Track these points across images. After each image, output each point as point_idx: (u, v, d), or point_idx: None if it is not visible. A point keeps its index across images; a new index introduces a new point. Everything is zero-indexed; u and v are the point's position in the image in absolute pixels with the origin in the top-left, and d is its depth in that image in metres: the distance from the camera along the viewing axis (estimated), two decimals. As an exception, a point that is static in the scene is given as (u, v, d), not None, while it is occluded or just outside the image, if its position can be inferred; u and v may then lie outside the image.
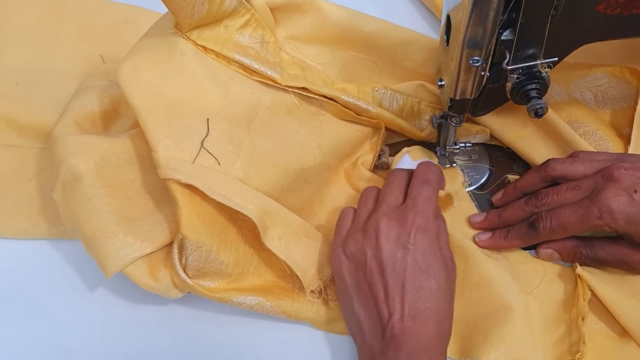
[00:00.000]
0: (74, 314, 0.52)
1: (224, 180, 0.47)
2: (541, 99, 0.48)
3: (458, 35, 0.45)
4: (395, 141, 0.61)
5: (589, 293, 0.49)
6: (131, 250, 0.48)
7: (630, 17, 0.46)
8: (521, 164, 0.58)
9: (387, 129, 0.58)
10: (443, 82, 0.52)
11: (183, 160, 0.46)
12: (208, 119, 0.49)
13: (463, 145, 0.58)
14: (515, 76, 0.48)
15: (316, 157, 0.53)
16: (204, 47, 0.51)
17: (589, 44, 0.49)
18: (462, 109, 0.52)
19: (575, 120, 0.58)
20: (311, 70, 0.58)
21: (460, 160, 0.59)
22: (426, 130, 0.58)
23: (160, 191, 0.51)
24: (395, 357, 0.42)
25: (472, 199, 0.57)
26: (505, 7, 0.43)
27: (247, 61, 0.52)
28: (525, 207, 0.51)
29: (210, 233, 0.48)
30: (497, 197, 0.56)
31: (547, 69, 0.48)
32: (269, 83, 0.53)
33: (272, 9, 0.56)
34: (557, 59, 0.47)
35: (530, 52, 0.47)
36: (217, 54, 0.52)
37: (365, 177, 0.56)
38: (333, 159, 0.55)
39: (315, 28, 0.59)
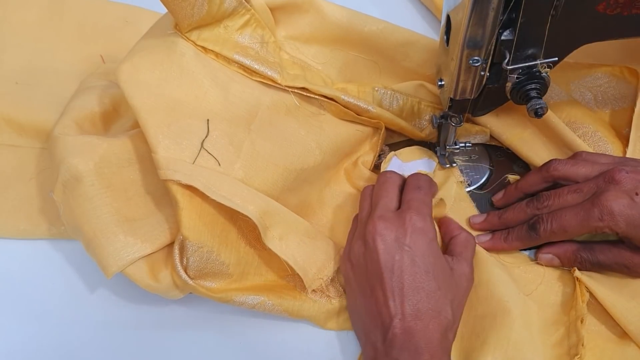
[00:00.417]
0: (74, 314, 0.52)
1: (224, 180, 0.47)
2: (541, 99, 0.48)
3: (458, 35, 0.45)
4: (396, 141, 0.61)
5: (588, 295, 0.49)
6: (131, 251, 0.48)
7: (630, 17, 0.46)
8: (521, 164, 0.58)
9: (387, 128, 0.58)
10: (443, 82, 0.52)
11: (183, 161, 0.46)
12: (208, 120, 0.49)
13: (463, 145, 0.58)
14: (515, 76, 0.48)
15: (316, 157, 0.53)
16: (204, 48, 0.51)
17: (589, 44, 0.48)
18: (462, 109, 0.52)
19: (574, 121, 0.58)
20: (311, 70, 0.58)
21: (460, 160, 0.59)
22: (426, 130, 0.58)
23: (161, 192, 0.51)
24: (398, 355, 0.42)
25: (472, 200, 0.57)
26: (505, 7, 0.43)
27: (247, 61, 0.52)
28: (526, 209, 0.51)
29: (211, 233, 0.48)
30: (497, 197, 0.56)
31: (547, 69, 0.48)
32: (269, 83, 0.53)
33: (272, 9, 0.56)
34: (557, 59, 0.47)
35: (530, 52, 0.47)
36: (217, 55, 0.52)
37: (365, 176, 0.56)
38: (333, 158, 0.55)
39: (315, 28, 0.59)
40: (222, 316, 0.52)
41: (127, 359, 0.50)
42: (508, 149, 0.58)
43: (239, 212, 0.46)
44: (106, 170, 0.50)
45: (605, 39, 0.49)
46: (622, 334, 0.48)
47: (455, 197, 0.57)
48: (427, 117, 0.58)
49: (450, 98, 0.51)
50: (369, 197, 0.51)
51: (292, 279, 0.51)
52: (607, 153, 0.56)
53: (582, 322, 0.47)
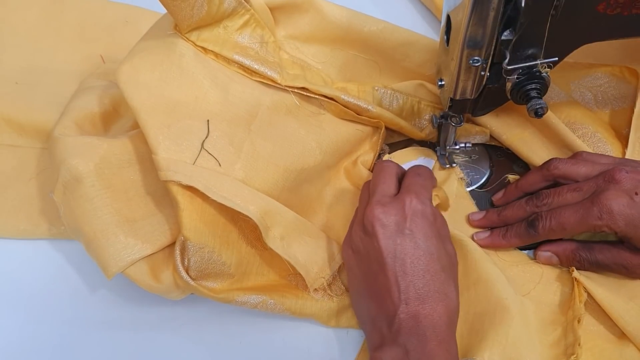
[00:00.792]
0: (74, 314, 0.52)
1: (224, 181, 0.47)
2: (541, 98, 0.48)
3: (458, 35, 0.45)
4: (396, 140, 0.61)
5: (585, 295, 0.49)
6: (132, 252, 0.48)
7: (630, 17, 0.46)
8: (521, 164, 0.58)
9: (387, 128, 0.58)
10: (443, 82, 0.52)
11: (183, 162, 0.46)
12: (208, 120, 0.49)
13: (463, 145, 0.58)
14: (515, 76, 0.48)
15: (316, 156, 0.53)
16: (204, 48, 0.51)
17: (589, 44, 0.48)
18: (462, 109, 0.52)
19: (574, 121, 0.58)
20: (311, 70, 0.58)
21: (460, 160, 0.59)
22: (426, 130, 0.58)
23: (161, 192, 0.51)
24: (406, 341, 0.42)
25: (472, 199, 0.57)
26: (505, 7, 0.43)
27: (246, 61, 0.52)
28: (525, 206, 0.51)
29: (212, 234, 0.48)
30: (497, 196, 0.56)
31: (547, 69, 0.48)
32: (269, 83, 0.53)
33: (272, 9, 0.56)
34: (557, 59, 0.47)
35: (530, 52, 0.47)
36: (216, 55, 0.52)
37: (365, 176, 0.56)
38: (333, 158, 0.55)
39: (314, 28, 0.59)
40: (222, 316, 0.52)
41: (127, 359, 0.50)
42: (508, 149, 0.58)
43: (239, 212, 0.46)
44: (106, 171, 0.50)
45: (605, 39, 0.49)
46: (621, 334, 0.48)
47: (456, 194, 0.57)
48: (427, 117, 0.58)
49: (451, 98, 0.51)
50: (366, 191, 0.51)
51: (293, 279, 0.51)
52: (606, 154, 0.56)
53: (579, 322, 0.47)
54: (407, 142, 0.60)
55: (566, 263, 0.51)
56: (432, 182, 0.50)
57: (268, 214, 0.47)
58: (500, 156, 0.59)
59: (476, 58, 0.46)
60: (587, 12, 0.45)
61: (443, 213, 0.51)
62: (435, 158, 0.59)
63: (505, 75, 0.48)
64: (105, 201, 0.49)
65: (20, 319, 0.52)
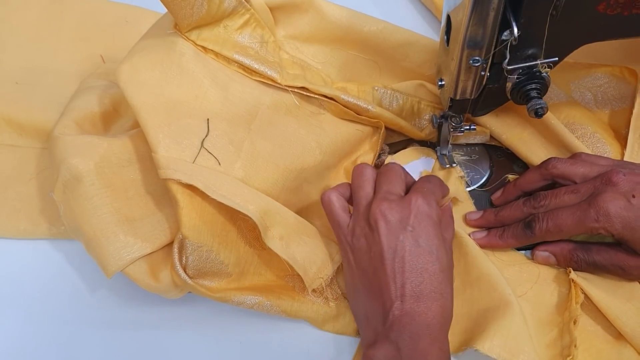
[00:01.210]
0: (74, 314, 0.52)
1: (224, 180, 0.47)
2: (541, 98, 0.48)
3: (458, 35, 0.45)
4: (395, 140, 0.61)
5: (582, 296, 0.49)
6: (131, 251, 0.48)
7: (630, 17, 0.46)
8: (521, 164, 0.58)
9: (387, 128, 0.58)
10: (443, 82, 0.52)
11: (183, 161, 0.47)
12: (208, 119, 0.49)
13: (463, 145, 0.58)
14: (515, 76, 0.48)
15: (316, 156, 0.53)
16: (204, 47, 0.51)
17: (589, 44, 0.49)
18: (462, 109, 0.52)
19: (573, 122, 0.58)
20: (311, 70, 0.58)
21: (460, 159, 0.59)
22: (426, 130, 0.58)
23: (161, 191, 0.51)
24: (398, 338, 0.42)
25: (471, 198, 0.57)
26: (505, 7, 0.43)
27: (246, 61, 0.52)
28: (523, 207, 0.51)
29: (211, 233, 0.48)
30: (496, 196, 0.56)
31: (547, 69, 0.48)
32: (269, 83, 0.53)
33: (272, 9, 0.56)
34: (557, 59, 0.47)
35: (530, 52, 0.47)
36: (216, 54, 0.52)
37: None
38: (333, 158, 0.55)
39: (314, 27, 0.59)
40: (221, 316, 0.52)
41: (127, 359, 0.50)
42: (508, 149, 0.58)
43: (239, 211, 0.46)
44: (106, 170, 0.50)
45: (605, 39, 0.49)
46: (618, 334, 0.48)
47: (456, 194, 0.57)
48: (427, 117, 0.58)
49: (451, 98, 0.51)
50: (366, 179, 0.49)
51: (291, 280, 0.51)
52: (605, 154, 0.56)
53: (575, 323, 0.47)
54: (407, 142, 0.60)
55: (563, 263, 0.51)
56: (441, 188, 0.50)
57: (267, 214, 0.47)
58: (500, 156, 0.59)
59: (476, 58, 0.46)
60: (587, 12, 0.45)
61: None
62: (435, 157, 0.59)
63: (505, 75, 0.48)
64: (105, 200, 0.49)
65: (20, 319, 0.52)
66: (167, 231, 0.50)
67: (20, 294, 0.53)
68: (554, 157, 0.53)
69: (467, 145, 0.58)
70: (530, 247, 0.53)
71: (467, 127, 0.56)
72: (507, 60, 0.46)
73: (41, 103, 0.61)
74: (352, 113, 0.56)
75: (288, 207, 0.50)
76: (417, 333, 0.42)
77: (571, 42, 0.48)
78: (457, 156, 0.59)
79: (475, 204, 0.57)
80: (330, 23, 0.58)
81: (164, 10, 0.48)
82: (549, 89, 0.49)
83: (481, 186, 0.58)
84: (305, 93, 0.54)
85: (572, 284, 0.50)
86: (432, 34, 0.67)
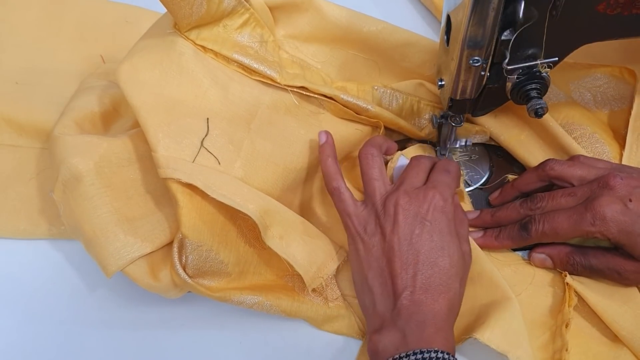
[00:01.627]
0: (73, 313, 0.52)
1: (224, 179, 0.47)
2: (541, 98, 0.48)
3: (458, 35, 0.45)
4: (395, 140, 0.61)
5: (575, 299, 0.49)
6: (131, 250, 0.48)
7: (630, 17, 0.46)
8: (521, 164, 0.58)
9: (386, 127, 0.58)
10: (443, 82, 0.52)
11: (183, 160, 0.47)
12: (208, 119, 0.49)
13: (463, 145, 0.58)
14: (515, 76, 0.48)
15: (316, 156, 0.53)
16: (203, 47, 0.51)
17: (589, 44, 0.49)
18: (462, 109, 0.52)
19: (572, 122, 0.58)
20: (310, 69, 0.58)
21: (460, 159, 0.59)
22: (426, 130, 0.58)
23: (160, 191, 0.51)
24: (405, 325, 0.43)
25: (469, 198, 0.57)
26: (505, 7, 0.43)
27: (246, 61, 0.52)
28: (519, 208, 0.51)
29: (211, 232, 0.48)
30: (494, 196, 0.56)
31: (547, 69, 0.48)
32: (269, 82, 0.53)
33: (271, 8, 0.56)
34: (557, 59, 0.47)
35: (530, 52, 0.47)
36: (216, 54, 0.52)
37: None
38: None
39: (314, 27, 0.59)
40: (221, 316, 0.52)
41: (127, 359, 0.50)
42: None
43: (238, 211, 0.46)
44: (106, 169, 0.50)
45: (605, 39, 0.49)
46: (615, 337, 0.48)
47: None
48: (426, 117, 0.58)
49: (451, 98, 0.51)
50: (381, 170, 0.50)
51: (290, 279, 0.51)
52: (604, 155, 0.56)
53: (567, 327, 0.47)
54: (406, 141, 0.60)
55: (560, 266, 0.51)
56: (457, 179, 0.51)
57: (267, 213, 0.47)
58: (500, 156, 0.59)
59: (476, 58, 0.46)
60: (587, 12, 0.45)
61: None
62: (434, 155, 0.59)
63: (505, 75, 0.48)
64: (105, 200, 0.49)
65: (20, 319, 0.52)
66: (167, 231, 0.50)
67: (20, 294, 0.53)
68: (552, 159, 0.53)
69: (467, 145, 0.58)
70: (527, 248, 0.53)
71: (463, 143, 0.57)
72: (507, 60, 0.46)
73: (41, 103, 0.61)
74: (352, 112, 0.56)
75: (288, 206, 0.50)
76: (423, 322, 0.43)
77: (571, 42, 0.48)
78: (456, 155, 0.59)
79: (474, 203, 0.57)
80: (330, 23, 0.58)
81: (163, 10, 0.48)
82: (549, 89, 0.49)
83: (481, 186, 0.58)
84: (304, 92, 0.54)
85: (566, 286, 0.50)
86: (432, 34, 0.67)
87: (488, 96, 0.51)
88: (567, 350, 0.46)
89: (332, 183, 0.50)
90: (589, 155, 0.54)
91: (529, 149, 0.57)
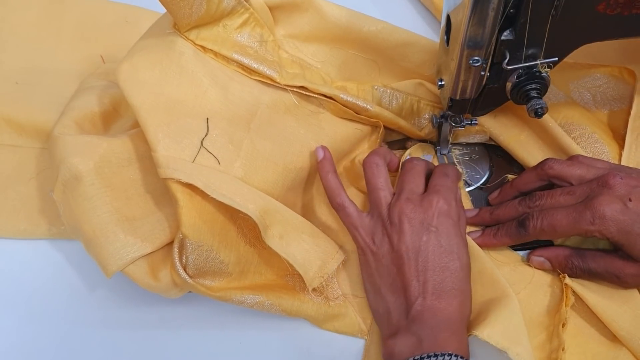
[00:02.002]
0: (73, 313, 0.52)
1: (224, 179, 0.47)
2: (541, 98, 0.48)
3: (458, 36, 0.45)
4: (394, 139, 0.61)
5: (572, 299, 0.49)
6: (131, 250, 0.48)
7: (630, 17, 0.46)
8: (520, 165, 0.58)
9: (386, 127, 0.58)
10: (443, 82, 0.52)
11: (183, 160, 0.47)
12: (208, 118, 0.49)
13: (463, 145, 0.58)
14: (515, 76, 0.48)
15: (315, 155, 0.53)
16: (203, 47, 0.51)
17: (589, 44, 0.49)
18: (462, 109, 0.52)
19: (571, 122, 0.58)
20: (310, 69, 0.58)
21: (460, 159, 0.59)
22: (425, 130, 0.58)
23: (160, 191, 0.51)
24: (419, 330, 0.43)
25: (469, 197, 0.57)
26: (505, 7, 0.43)
27: (245, 60, 0.52)
28: (518, 206, 0.51)
29: (211, 232, 0.48)
30: (493, 195, 0.56)
31: (547, 69, 0.48)
32: (268, 82, 0.53)
33: (271, 8, 0.56)
34: (557, 59, 0.47)
35: (530, 52, 0.47)
36: (215, 54, 0.52)
37: (362, 174, 0.56)
38: (332, 157, 0.55)
39: (314, 27, 0.59)
40: (221, 316, 0.52)
41: (127, 359, 0.50)
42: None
43: (239, 211, 0.46)
44: (106, 169, 0.50)
45: (605, 39, 0.49)
46: (614, 337, 0.48)
47: None
48: (426, 116, 0.58)
49: (451, 98, 0.51)
50: (385, 179, 0.50)
51: (291, 279, 0.51)
52: (603, 155, 0.56)
53: (563, 326, 0.47)
54: (405, 140, 0.60)
55: (559, 269, 0.51)
56: (457, 180, 0.52)
57: (267, 213, 0.47)
58: (500, 156, 0.59)
59: (476, 58, 0.46)
60: (587, 12, 0.45)
61: None
62: (433, 153, 0.59)
63: (505, 75, 0.48)
64: (105, 200, 0.49)
65: (20, 319, 0.52)
66: (167, 230, 0.50)
67: (20, 294, 0.53)
68: (551, 158, 0.53)
69: (467, 145, 0.58)
70: (527, 249, 0.53)
71: (469, 122, 0.56)
72: (507, 60, 0.46)
73: (41, 103, 0.61)
74: (352, 112, 0.56)
75: (288, 206, 0.50)
76: (437, 326, 0.43)
77: (571, 42, 0.48)
78: (457, 156, 0.59)
79: (474, 203, 0.57)
80: (330, 23, 0.58)
81: (163, 10, 0.48)
82: (548, 89, 0.49)
83: (481, 186, 0.58)
84: (304, 92, 0.54)
85: (564, 286, 0.50)
86: (431, 34, 0.67)
87: (488, 96, 0.51)
88: (563, 350, 0.47)
89: (336, 199, 0.50)
90: (588, 155, 0.54)
91: (528, 149, 0.57)
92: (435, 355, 0.41)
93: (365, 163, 0.52)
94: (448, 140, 0.57)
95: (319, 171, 0.52)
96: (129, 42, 0.52)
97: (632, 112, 0.57)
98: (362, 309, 0.51)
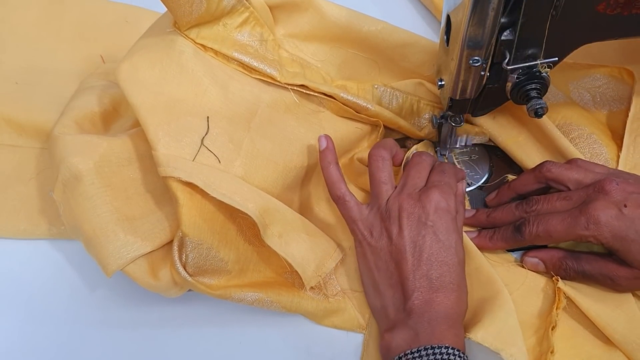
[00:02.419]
0: (73, 313, 0.52)
1: (224, 178, 0.47)
2: (541, 98, 0.48)
3: (458, 36, 0.45)
4: (394, 138, 0.61)
5: (564, 302, 0.49)
6: (131, 249, 0.48)
7: (630, 17, 0.46)
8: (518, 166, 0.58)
9: (386, 127, 0.58)
10: (443, 82, 0.52)
11: (183, 159, 0.47)
12: (208, 117, 0.49)
13: (463, 145, 0.58)
14: (515, 76, 0.48)
15: (315, 154, 0.53)
16: (203, 46, 0.51)
17: (589, 44, 0.49)
18: (462, 109, 0.52)
19: (570, 123, 0.58)
20: (310, 68, 0.58)
21: (460, 159, 0.59)
22: (425, 129, 0.58)
23: (160, 190, 0.51)
24: (416, 324, 0.44)
25: (467, 197, 0.57)
26: (505, 7, 0.43)
27: (246, 59, 0.52)
28: (514, 210, 0.52)
29: (211, 231, 0.48)
30: (490, 197, 0.56)
31: (547, 69, 0.48)
32: (268, 81, 0.53)
33: (271, 8, 0.56)
34: (557, 59, 0.48)
35: (530, 52, 0.47)
36: (216, 52, 0.52)
37: (362, 173, 0.56)
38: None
39: (314, 26, 0.59)
40: (221, 315, 0.52)
41: (127, 359, 0.50)
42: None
43: (238, 209, 0.46)
44: (106, 169, 0.50)
45: (605, 39, 0.49)
46: (609, 340, 0.48)
47: None
48: (426, 116, 0.58)
49: (451, 98, 0.51)
50: (389, 173, 0.50)
51: (290, 276, 0.51)
52: (601, 156, 0.56)
53: (553, 329, 0.47)
54: (404, 139, 0.60)
55: (552, 271, 0.51)
56: (455, 177, 0.52)
57: (267, 212, 0.47)
58: (500, 156, 0.59)
59: (476, 58, 0.46)
60: (587, 12, 0.45)
61: None
62: (433, 153, 0.59)
63: (505, 75, 0.48)
64: (105, 199, 0.49)
65: (20, 319, 0.52)
66: (167, 230, 0.50)
67: (20, 294, 0.53)
68: (549, 161, 0.53)
69: (467, 145, 0.58)
70: (522, 249, 0.53)
71: (463, 143, 0.57)
72: (507, 60, 0.46)
73: (41, 103, 0.61)
74: (352, 111, 0.56)
75: (287, 204, 0.50)
76: (435, 320, 0.44)
77: (571, 42, 0.48)
78: (457, 156, 0.59)
79: (473, 203, 0.57)
80: (330, 22, 0.58)
81: (163, 10, 0.48)
82: (548, 89, 0.49)
83: (481, 186, 0.58)
84: (304, 91, 0.54)
85: (556, 289, 0.50)
86: (431, 34, 0.68)
87: (488, 96, 0.51)
88: (552, 352, 0.47)
89: (336, 192, 0.50)
90: (586, 156, 0.54)
91: (526, 151, 0.56)
92: (432, 348, 0.42)
93: (371, 155, 0.51)
94: (449, 141, 0.57)
95: (320, 161, 0.51)
96: (129, 42, 0.53)
97: (630, 114, 0.57)
98: (360, 304, 0.51)
